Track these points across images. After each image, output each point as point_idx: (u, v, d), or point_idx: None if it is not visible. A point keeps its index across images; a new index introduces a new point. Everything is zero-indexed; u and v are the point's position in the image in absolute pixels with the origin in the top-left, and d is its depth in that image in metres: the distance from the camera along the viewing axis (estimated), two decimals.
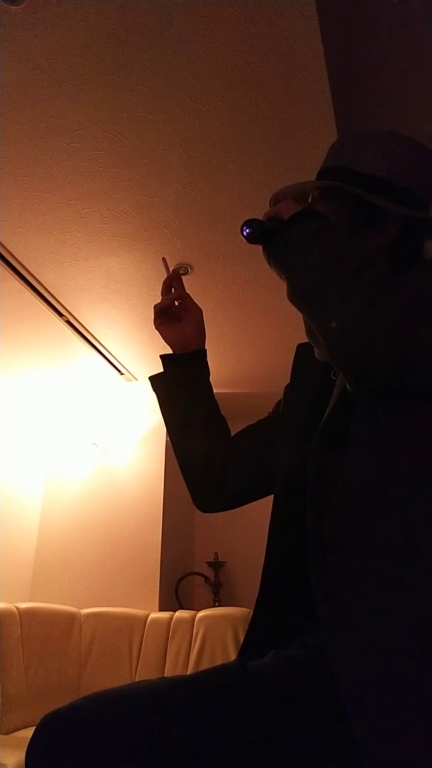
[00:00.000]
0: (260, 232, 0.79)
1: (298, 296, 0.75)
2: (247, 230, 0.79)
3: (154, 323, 1.04)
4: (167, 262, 1.08)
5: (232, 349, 2.90)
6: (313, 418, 0.80)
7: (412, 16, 1.62)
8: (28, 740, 0.66)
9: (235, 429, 1.06)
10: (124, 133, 1.68)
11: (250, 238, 0.79)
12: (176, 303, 1.05)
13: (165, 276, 1.05)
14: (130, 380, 3.27)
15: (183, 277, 1.07)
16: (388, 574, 0.63)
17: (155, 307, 1.04)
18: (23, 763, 0.65)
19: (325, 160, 0.92)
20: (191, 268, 2.26)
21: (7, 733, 2.33)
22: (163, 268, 1.07)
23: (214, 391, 1.07)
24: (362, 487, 0.69)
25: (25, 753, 0.65)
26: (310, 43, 1.43)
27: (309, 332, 0.76)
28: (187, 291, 1.06)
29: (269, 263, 0.80)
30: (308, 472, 0.74)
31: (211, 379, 1.08)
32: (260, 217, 0.81)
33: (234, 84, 1.53)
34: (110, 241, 2.13)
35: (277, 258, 0.79)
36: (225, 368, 3.09)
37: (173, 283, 1.05)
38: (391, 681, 0.59)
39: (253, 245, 0.82)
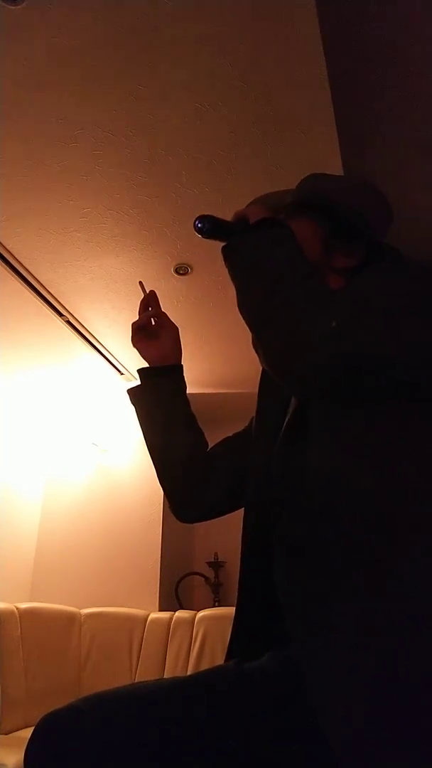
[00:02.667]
0: (211, 228, 0.83)
1: (242, 306, 0.79)
2: (199, 224, 0.82)
3: (132, 340, 1.10)
4: (143, 285, 1.16)
5: (231, 349, 2.89)
6: (280, 428, 0.83)
7: (413, 16, 1.62)
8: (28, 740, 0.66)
9: (236, 429, 1.07)
10: (124, 133, 1.68)
11: (201, 232, 0.83)
12: (153, 321, 1.10)
13: (143, 296, 1.12)
14: (130, 380, 3.27)
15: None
16: (348, 573, 0.64)
17: (133, 324, 1.09)
18: (23, 763, 0.65)
19: (297, 187, 0.97)
20: (191, 268, 2.26)
21: (7, 733, 2.33)
22: (140, 290, 1.14)
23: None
24: (320, 488, 0.70)
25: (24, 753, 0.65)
26: (311, 43, 1.43)
27: (253, 343, 0.78)
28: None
29: (225, 261, 0.83)
30: (271, 479, 0.77)
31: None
32: (229, 218, 0.86)
33: (234, 84, 1.53)
34: (110, 241, 2.13)
35: (232, 259, 0.82)
36: (225, 368, 3.09)
37: (150, 302, 1.11)
38: (356, 683, 0.59)
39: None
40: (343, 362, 0.68)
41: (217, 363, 3.05)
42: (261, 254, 0.78)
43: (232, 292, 0.81)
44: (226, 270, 0.83)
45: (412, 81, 1.79)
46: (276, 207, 0.91)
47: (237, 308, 0.80)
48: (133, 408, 1.08)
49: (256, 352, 0.76)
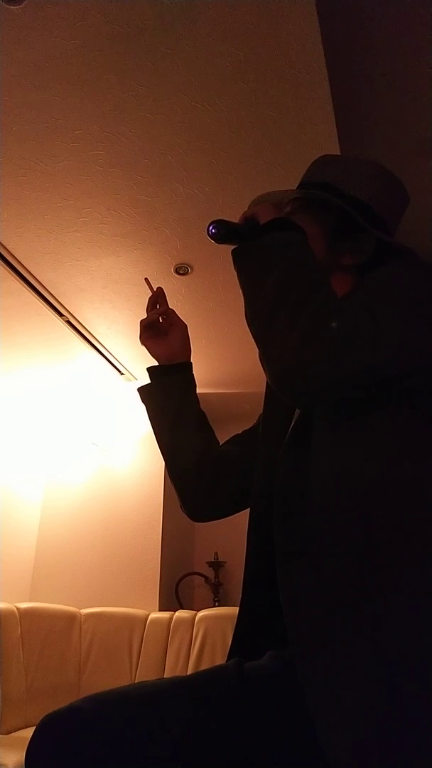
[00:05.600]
0: (225, 233, 0.81)
1: (248, 321, 0.77)
2: (213, 230, 0.81)
3: (140, 338, 1.08)
4: (149, 281, 1.13)
5: (232, 349, 2.90)
6: (286, 430, 0.82)
7: (413, 15, 1.62)
8: (28, 740, 0.66)
9: (240, 428, 1.07)
10: (124, 133, 1.68)
11: (215, 238, 0.81)
12: (161, 319, 1.09)
13: (150, 293, 1.10)
14: (130, 380, 3.27)
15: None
16: (349, 576, 0.64)
17: (141, 322, 1.07)
18: (23, 763, 0.65)
19: (306, 174, 0.94)
20: (191, 268, 2.26)
21: (7, 733, 2.33)
22: (147, 287, 1.12)
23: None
24: (321, 492, 0.70)
25: (24, 753, 0.65)
26: (311, 43, 1.43)
27: (260, 358, 0.77)
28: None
29: (234, 266, 0.81)
30: (275, 481, 0.76)
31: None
32: (238, 218, 0.84)
33: (234, 84, 1.53)
34: (110, 241, 2.13)
35: (240, 265, 0.80)
36: (226, 368, 3.09)
37: (158, 299, 1.09)
38: (350, 680, 0.60)
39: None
40: (347, 381, 0.68)
41: (218, 363, 3.05)
42: (268, 263, 0.76)
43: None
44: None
45: (413, 81, 1.79)
46: (282, 202, 0.90)
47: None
48: (143, 406, 1.07)
49: (262, 366, 0.75)
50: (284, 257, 0.76)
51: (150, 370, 1.08)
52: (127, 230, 2.08)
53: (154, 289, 1.10)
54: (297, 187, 0.93)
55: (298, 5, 1.36)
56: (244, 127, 1.66)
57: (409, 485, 0.65)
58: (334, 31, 1.51)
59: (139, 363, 3.07)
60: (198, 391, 1.10)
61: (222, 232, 0.81)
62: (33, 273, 2.31)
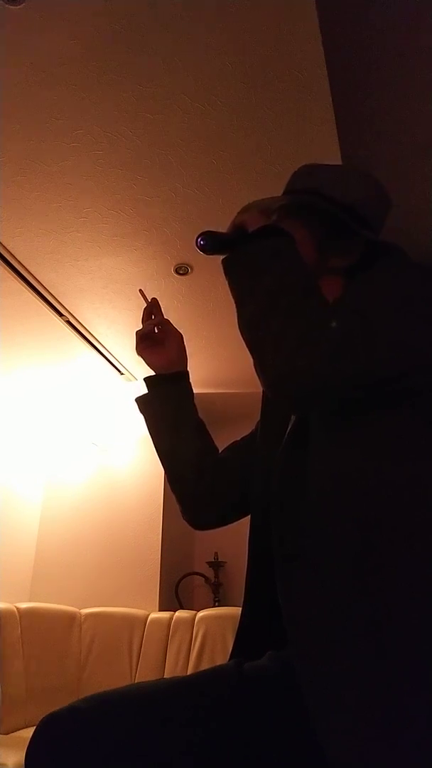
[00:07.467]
0: (213, 244, 0.82)
1: (241, 328, 0.77)
2: (202, 242, 0.81)
3: (137, 349, 1.09)
4: (144, 293, 1.15)
5: (232, 349, 2.89)
6: (284, 433, 0.82)
7: (413, 16, 1.62)
8: (28, 740, 0.66)
9: (240, 429, 1.07)
10: (124, 133, 1.68)
11: (204, 250, 0.82)
12: (156, 329, 1.09)
13: (145, 305, 1.11)
14: (130, 380, 3.27)
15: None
16: (347, 577, 0.64)
17: (137, 333, 1.08)
18: (23, 763, 0.65)
19: (289, 183, 0.97)
20: (191, 268, 2.26)
21: (7, 733, 2.33)
22: (142, 298, 1.13)
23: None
24: (319, 494, 0.70)
25: (24, 753, 0.65)
26: (311, 43, 1.43)
27: (254, 365, 0.77)
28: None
29: (225, 275, 0.81)
30: (272, 483, 0.77)
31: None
32: (227, 226, 0.85)
33: (234, 84, 1.53)
34: (110, 241, 2.13)
35: (231, 274, 0.80)
36: (226, 368, 3.10)
37: (153, 310, 1.10)
38: (350, 680, 0.60)
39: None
40: (343, 385, 0.68)
41: (218, 363, 3.05)
42: (257, 270, 0.76)
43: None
44: None
45: (412, 80, 1.79)
46: (269, 209, 0.90)
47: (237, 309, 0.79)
48: (141, 415, 1.07)
49: (257, 373, 0.75)
50: (274, 264, 0.76)
51: (147, 380, 1.08)
52: (127, 230, 2.08)
53: (149, 300, 1.11)
54: (283, 194, 0.94)
55: (298, 5, 1.36)
56: (244, 127, 1.66)
57: (408, 486, 0.65)
58: (334, 31, 1.51)
59: (138, 363, 3.07)
60: (198, 391, 1.10)
61: (210, 243, 0.81)
62: (33, 273, 2.31)
